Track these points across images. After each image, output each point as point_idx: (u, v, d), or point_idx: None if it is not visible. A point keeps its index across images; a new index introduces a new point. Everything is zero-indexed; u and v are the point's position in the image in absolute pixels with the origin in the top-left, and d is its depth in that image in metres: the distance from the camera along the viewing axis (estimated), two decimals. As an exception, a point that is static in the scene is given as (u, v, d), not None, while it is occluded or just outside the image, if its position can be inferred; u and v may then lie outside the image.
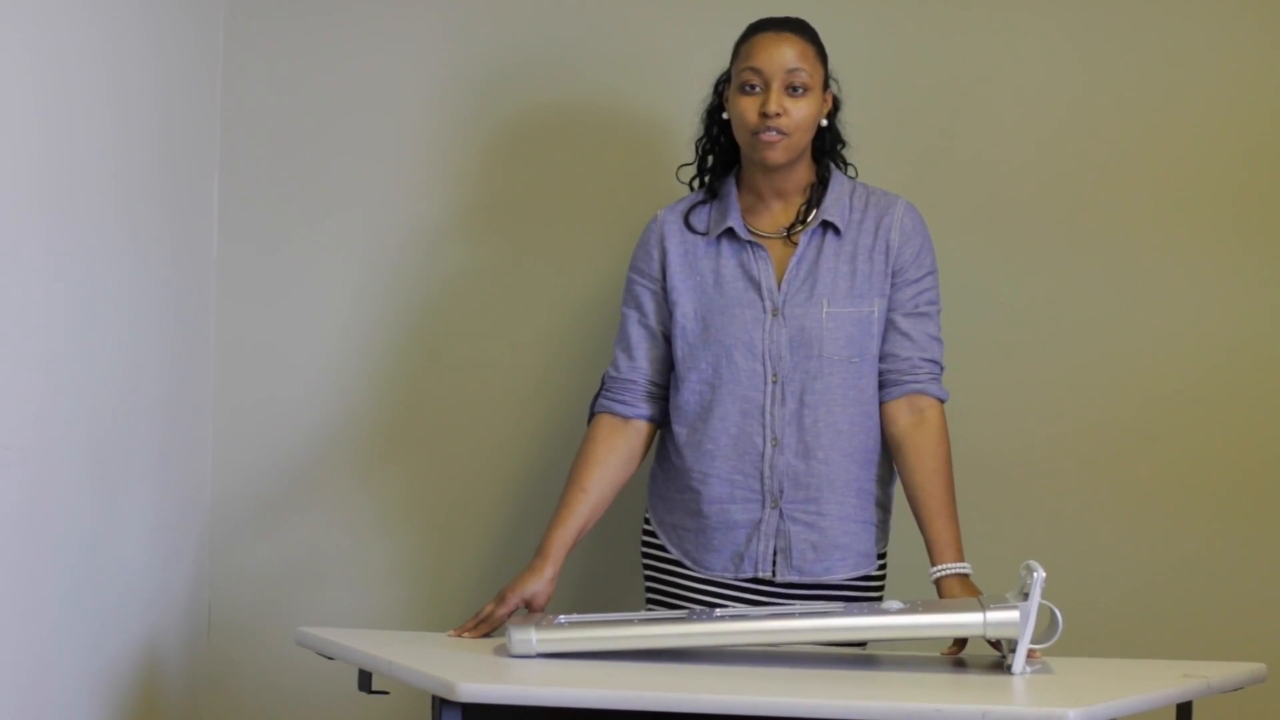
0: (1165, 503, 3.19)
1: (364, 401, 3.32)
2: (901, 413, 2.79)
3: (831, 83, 2.84)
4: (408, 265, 3.31)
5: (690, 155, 2.94)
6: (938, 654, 2.63)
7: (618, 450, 2.85)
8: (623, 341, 2.89)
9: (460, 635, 2.71)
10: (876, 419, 2.80)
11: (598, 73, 3.28)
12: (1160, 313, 3.19)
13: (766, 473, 2.77)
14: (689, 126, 2.95)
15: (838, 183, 2.84)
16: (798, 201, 2.84)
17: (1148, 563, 3.19)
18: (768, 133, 2.73)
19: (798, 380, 2.77)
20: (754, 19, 2.83)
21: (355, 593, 3.31)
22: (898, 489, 2.84)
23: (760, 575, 2.78)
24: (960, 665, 2.57)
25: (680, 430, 2.83)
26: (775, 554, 2.78)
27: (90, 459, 2.81)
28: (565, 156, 3.29)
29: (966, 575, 2.70)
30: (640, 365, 2.87)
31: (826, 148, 2.86)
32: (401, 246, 3.31)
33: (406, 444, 3.32)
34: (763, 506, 2.78)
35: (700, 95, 2.91)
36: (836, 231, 2.80)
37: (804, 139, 2.78)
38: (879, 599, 2.82)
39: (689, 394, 2.82)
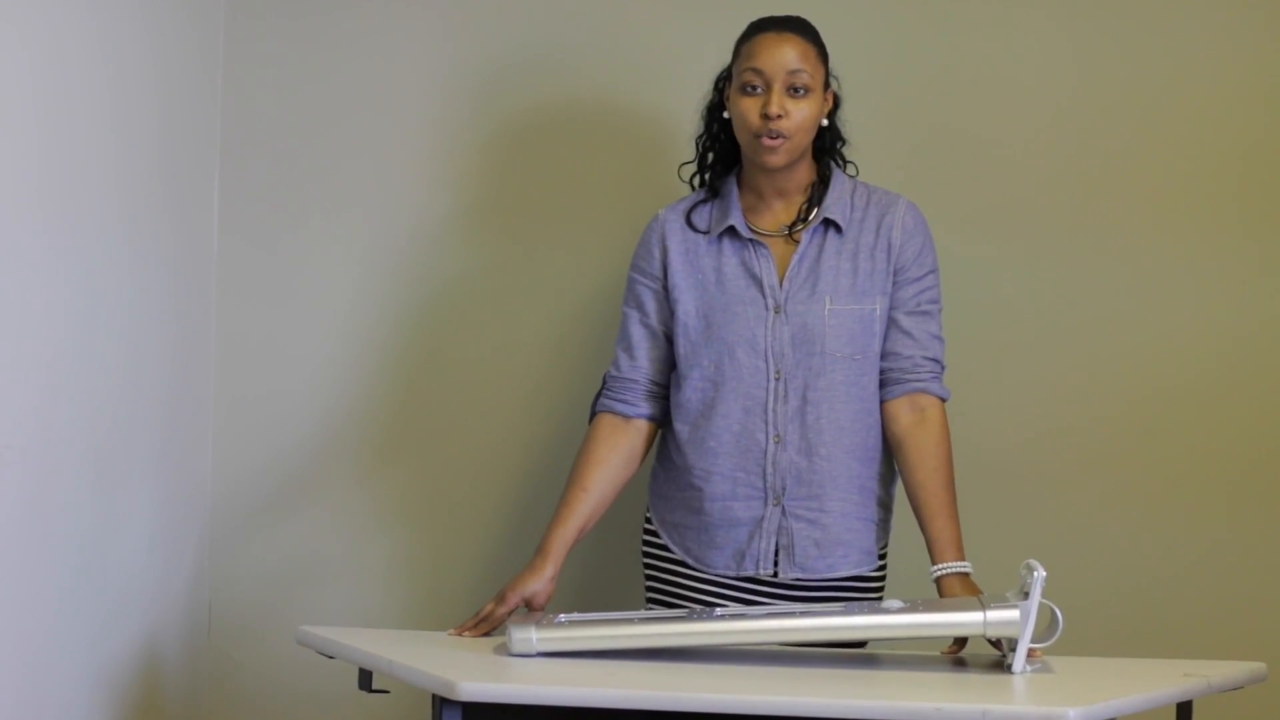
0: (1166, 502, 3.18)
1: (365, 400, 3.32)
2: (903, 411, 2.79)
3: (832, 80, 2.84)
4: (408, 264, 3.31)
5: (692, 153, 2.93)
6: (938, 653, 2.63)
7: (619, 449, 2.85)
8: (624, 341, 2.89)
9: (460, 634, 2.71)
10: (878, 416, 2.80)
11: (598, 71, 3.28)
12: (1159, 311, 3.19)
13: (769, 469, 2.77)
14: (691, 125, 2.94)
15: (839, 181, 2.84)
16: (799, 200, 2.84)
17: (1148, 562, 3.18)
18: (769, 135, 2.73)
19: (800, 377, 2.77)
20: (755, 17, 2.83)
21: (356, 592, 3.31)
22: (899, 488, 2.84)
23: (762, 573, 2.78)
24: (960, 664, 2.57)
25: (682, 428, 2.83)
26: (777, 551, 2.78)
27: (90, 458, 2.81)
28: (566, 155, 3.29)
29: (967, 574, 2.70)
30: (641, 365, 2.87)
31: (827, 146, 2.86)
32: (401, 245, 3.31)
33: (407, 443, 3.32)
34: (765, 504, 2.78)
35: (703, 93, 2.91)
36: (838, 229, 2.81)
37: (805, 140, 2.78)
38: (879, 597, 2.82)
39: (691, 391, 2.82)
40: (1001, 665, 2.50)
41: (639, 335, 2.88)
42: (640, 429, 2.87)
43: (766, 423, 2.78)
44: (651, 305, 2.87)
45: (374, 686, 2.57)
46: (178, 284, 3.17)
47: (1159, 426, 3.19)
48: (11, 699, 2.58)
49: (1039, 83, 3.22)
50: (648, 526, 2.90)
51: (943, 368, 2.83)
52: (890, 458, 2.83)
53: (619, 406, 2.86)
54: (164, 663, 3.15)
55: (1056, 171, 3.21)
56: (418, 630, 3.02)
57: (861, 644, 2.71)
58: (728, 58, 2.84)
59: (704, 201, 2.88)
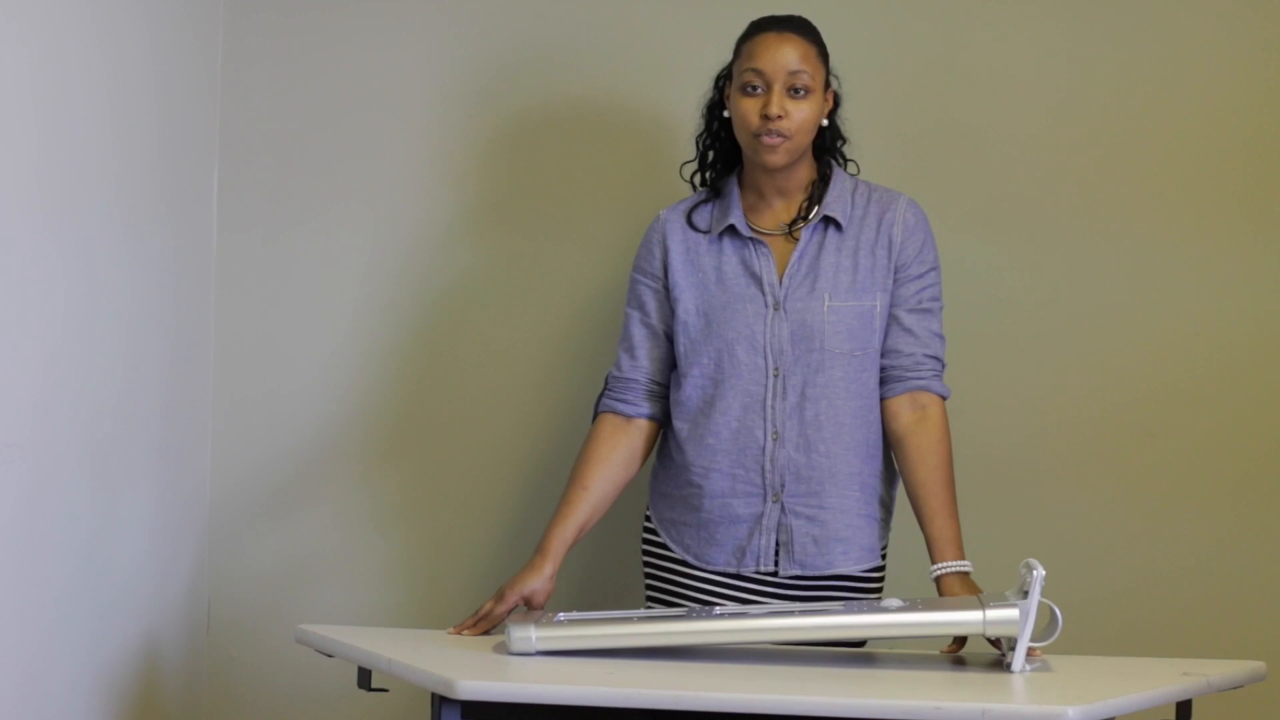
0: (1165, 500, 3.18)
1: (364, 399, 3.31)
2: (903, 409, 2.79)
3: (832, 80, 2.84)
4: (408, 262, 3.31)
5: (694, 152, 2.93)
6: (937, 652, 2.63)
7: (620, 449, 2.85)
8: (625, 341, 2.89)
9: (460, 633, 2.71)
10: (879, 413, 2.80)
11: (599, 69, 3.28)
12: (1160, 308, 3.18)
13: (767, 466, 2.77)
14: (693, 124, 2.94)
15: (839, 179, 2.84)
16: (799, 199, 2.84)
17: (1148, 560, 3.18)
18: (769, 136, 2.73)
19: (799, 374, 2.77)
20: (755, 15, 2.83)
21: (355, 590, 3.31)
22: (900, 489, 2.84)
23: (762, 570, 2.78)
24: (960, 663, 2.57)
25: (682, 426, 2.83)
26: (777, 548, 2.78)
27: (90, 456, 2.81)
28: (567, 153, 3.29)
29: (967, 573, 2.70)
30: (642, 364, 2.87)
31: (827, 145, 2.86)
32: (401, 244, 3.31)
33: (407, 442, 3.32)
34: (764, 500, 2.78)
35: (704, 92, 2.90)
36: (838, 227, 2.81)
37: (805, 140, 2.78)
38: (879, 595, 2.82)
39: (691, 389, 2.82)
40: (1001, 664, 2.50)
41: (640, 335, 2.88)
42: (641, 429, 2.87)
43: (765, 420, 2.78)
44: (652, 305, 2.87)
45: (373, 685, 2.57)
46: (177, 283, 3.17)
47: (1159, 425, 3.19)
48: (11, 697, 2.58)
49: (1038, 77, 3.21)
50: (647, 525, 2.90)
51: (944, 365, 2.83)
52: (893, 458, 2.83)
53: (620, 406, 2.87)
54: (163, 661, 3.15)
55: (1056, 167, 3.21)
56: (417, 629, 3.01)
57: (861, 643, 2.71)
58: (728, 56, 2.84)
59: (705, 201, 2.88)
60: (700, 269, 2.84)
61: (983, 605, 2.45)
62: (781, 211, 2.84)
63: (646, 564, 2.90)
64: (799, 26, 2.79)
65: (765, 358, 2.78)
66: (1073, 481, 3.20)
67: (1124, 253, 3.19)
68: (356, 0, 3.31)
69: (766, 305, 2.79)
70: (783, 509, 2.78)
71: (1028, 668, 2.44)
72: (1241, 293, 3.17)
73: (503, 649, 2.53)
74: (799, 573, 2.78)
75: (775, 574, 2.79)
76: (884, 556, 2.85)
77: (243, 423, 3.32)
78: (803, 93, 2.75)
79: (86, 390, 2.79)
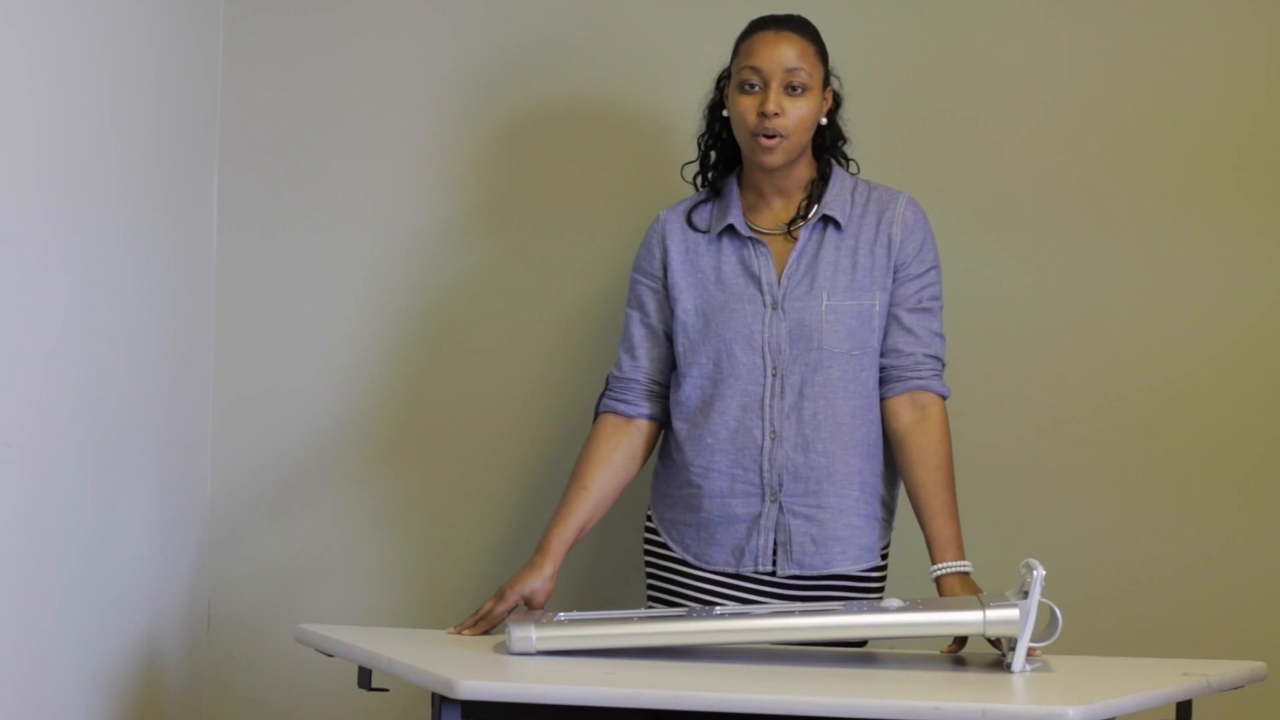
0: (1165, 500, 3.18)
1: (365, 398, 3.31)
2: (903, 409, 2.79)
3: (832, 79, 2.84)
4: (409, 261, 3.31)
5: (695, 153, 2.93)
6: (937, 652, 2.63)
7: (620, 449, 2.85)
8: (626, 342, 2.89)
9: (460, 632, 2.71)
10: (879, 412, 2.80)
11: (601, 69, 3.28)
12: (1160, 306, 3.18)
13: (765, 466, 2.77)
14: (695, 123, 2.94)
15: (839, 178, 2.84)
16: (799, 198, 2.84)
17: (1148, 560, 3.18)
18: (766, 135, 2.73)
19: (797, 373, 2.77)
20: (756, 15, 2.83)
21: (355, 590, 3.31)
22: (901, 489, 2.83)
23: (760, 570, 2.78)
24: (960, 663, 2.57)
25: (681, 426, 2.83)
26: (775, 548, 2.78)
27: (90, 455, 2.81)
28: (568, 153, 3.29)
29: (967, 573, 2.69)
30: (642, 365, 2.87)
31: (827, 144, 2.86)
32: (403, 242, 3.31)
33: (407, 441, 3.32)
34: (762, 500, 2.78)
35: (707, 91, 2.90)
36: (837, 226, 2.80)
37: (803, 139, 2.78)
38: (880, 595, 2.81)
39: (690, 389, 2.82)
40: (1001, 664, 2.50)
41: (640, 336, 2.88)
42: (642, 429, 2.87)
43: (763, 419, 2.77)
44: (652, 305, 2.87)
45: (373, 685, 2.57)
46: (177, 281, 3.17)
47: (1159, 424, 3.18)
48: (11, 696, 2.58)
49: (1037, 72, 3.20)
50: (649, 525, 2.90)
51: (944, 365, 2.83)
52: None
53: (621, 407, 2.87)
54: (163, 660, 3.15)
55: (1056, 163, 3.20)
56: (417, 629, 3.01)
57: (861, 643, 2.71)
58: (729, 56, 2.84)
59: (705, 201, 2.88)
60: (699, 269, 2.84)
61: (983, 605, 2.45)
62: (781, 211, 2.84)
63: (648, 564, 2.90)
64: (797, 25, 2.79)
65: (763, 357, 2.78)
66: (1073, 481, 3.19)
67: (1125, 250, 3.19)
68: (357, 2, 3.31)
69: (765, 305, 2.79)
70: (780, 508, 2.77)
71: (1028, 668, 2.44)
72: (1243, 291, 3.16)
73: (503, 649, 2.53)
74: (797, 573, 2.78)
75: (774, 574, 2.79)
76: (885, 556, 2.84)
77: (243, 421, 3.32)
78: (800, 90, 2.75)
79: (86, 389, 2.79)
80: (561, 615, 2.56)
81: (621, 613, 2.60)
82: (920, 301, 2.81)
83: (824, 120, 2.82)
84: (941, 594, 2.69)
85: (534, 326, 3.29)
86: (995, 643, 2.54)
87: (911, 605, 2.50)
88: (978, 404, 3.14)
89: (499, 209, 3.31)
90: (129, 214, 2.94)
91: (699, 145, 2.92)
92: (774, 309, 2.78)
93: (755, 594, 2.79)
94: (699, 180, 2.93)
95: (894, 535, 2.87)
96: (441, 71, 3.30)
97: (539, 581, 2.75)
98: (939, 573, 2.70)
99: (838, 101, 2.86)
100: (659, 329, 2.87)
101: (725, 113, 2.84)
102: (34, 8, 2.56)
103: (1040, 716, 2.23)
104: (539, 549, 2.78)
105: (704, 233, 2.85)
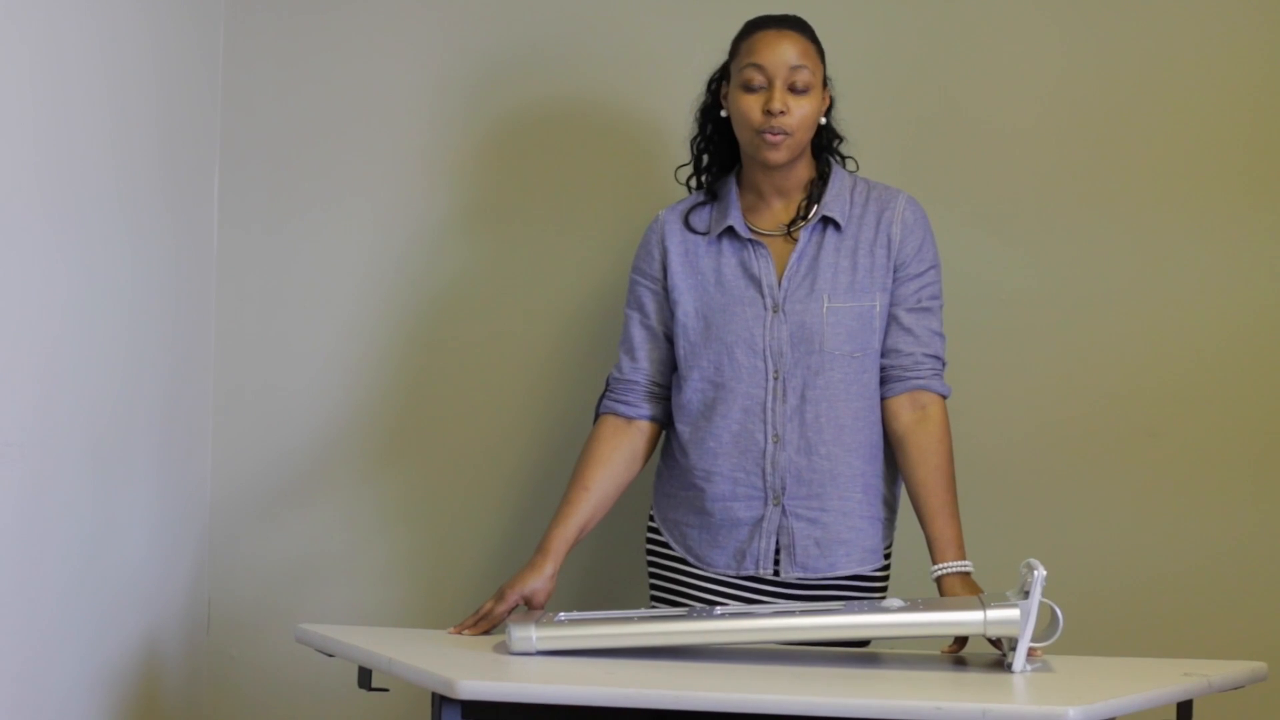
0: (1166, 500, 3.18)
1: (365, 398, 3.31)
2: (904, 409, 2.79)
3: (828, 80, 2.84)
4: (408, 261, 3.31)
5: (688, 155, 2.93)
6: (938, 652, 2.63)
7: (620, 450, 2.85)
8: (625, 343, 2.89)
9: (460, 632, 2.71)
10: (880, 413, 2.80)
11: (597, 71, 3.28)
12: (1161, 305, 3.18)
13: (768, 469, 2.77)
14: (689, 125, 2.94)
15: (838, 178, 2.84)
16: (798, 198, 2.83)
17: (1148, 560, 3.18)
18: (772, 133, 2.73)
19: (799, 376, 2.77)
20: (749, 16, 2.83)
21: (355, 589, 3.31)
22: (903, 489, 2.83)
23: (762, 573, 2.78)
24: (960, 663, 2.57)
25: (683, 429, 2.82)
26: (778, 551, 2.78)
27: (90, 455, 2.81)
28: (565, 154, 3.29)
29: (968, 573, 2.69)
30: (642, 366, 2.87)
31: (825, 144, 2.86)
32: (402, 242, 3.31)
33: (407, 441, 3.32)
34: (765, 503, 2.78)
35: (699, 94, 2.90)
36: (837, 227, 2.80)
37: (806, 137, 2.78)
38: (883, 597, 2.81)
39: (691, 392, 2.82)
40: (1002, 664, 2.50)
41: (640, 337, 2.88)
42: (642, 430, 2.87)
43: (765, 423, 2.77)
44: (652, 306, 2.87)
45: (373, 685, 2.57)
46: (177, 280, 3.17)
47: (1160, 424, 3.18)
48: (11, 696, 2.58)
49: (1035, 68, 3.20)
50: (651, 524, 2.90)
51: (944, 364, 2.83)
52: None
53: (621, 408, 2.86)
54: (163, 660, 3.15)
55: (1056, 160, 3.20)
56: (417, 628, 3.01)
57: (862, 643, 2.71)
58: (720, 57, 2.84)
59: (703, 203, 2.88)
60: (699, 271, 2.83)
61: (983, 605, 2.45)
62: (780, 212, 2.84)
63: (650, 564, 2.90)
64: (797, 24, 2.79)
65: (765, 360, 2.78)
66: (1074, 481, 3.19)
67: (1126, 248, 3.18)
68: (356, 2, 3.31)
69: (765, 307, 2.79)
70: (784, 512, 2.77)
71: (1028, 668, 2.44)
72: (1244, 290, 3.16)
73: (503, 649, 2.53)
74: (801, 575, 2.78)
75: (776, 576, 2.79)
76: (888, 556, 2.84)
77: (243, 420, 3.32)
78: (803, 89, 2.75)
79: (86, 388, 2.79)
80: (562, 615, 2.56)
81: (622, 613, 2.60)
82: (920, 301, 2.81)
83: (823, 120, 2.82)
84: (942, 594, 2.68)
85: (533, 325, 3.29)
86: (996, 643, 2.54)
87: (912, 605, 2.50)
88: (978, 403, 3.14)
89: (498, 208, 3.31)
90: (129, 214, 2.94)
91: (692, 148, 2.91)
92: (775, 312, 2.78)
93: (759, 594, 2.79)
94: (693, 184, 2.93)
95: (896, 535, 2.86)
96: (440, 72, 3.30)
97: (539, 581, 2.75)
98: (940, 573, 2.70)
99: (832, 102, 2.86)
100: (659, 330, 2.87)
101: (723, 113, 2.83)
102: (34, 8, 2.56)
103: (1041, 717, 2.23)
104: (539, 549, 2.78)
105: (703, 234, 2.85)
